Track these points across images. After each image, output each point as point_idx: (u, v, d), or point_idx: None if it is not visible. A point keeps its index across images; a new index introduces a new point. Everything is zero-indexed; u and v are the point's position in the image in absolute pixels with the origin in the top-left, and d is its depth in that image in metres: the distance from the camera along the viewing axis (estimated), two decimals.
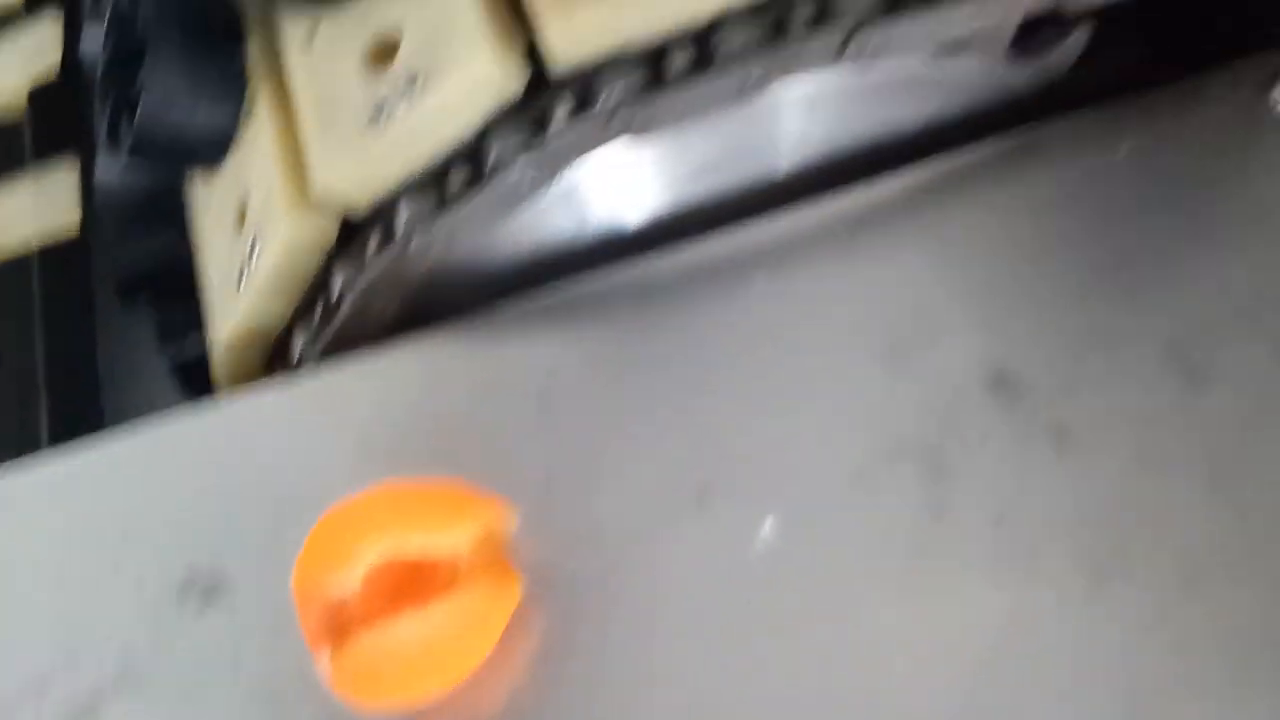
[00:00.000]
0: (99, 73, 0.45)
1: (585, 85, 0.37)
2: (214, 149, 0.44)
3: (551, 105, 0.37)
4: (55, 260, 0.55)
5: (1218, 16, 0.49)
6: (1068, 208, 0.46)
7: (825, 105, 0.45)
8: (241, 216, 0.44)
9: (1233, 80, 0.47)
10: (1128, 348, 0.42)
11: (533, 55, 0.37)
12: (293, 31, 0.41)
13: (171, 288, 0.50)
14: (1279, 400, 0.41)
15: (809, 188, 0.46)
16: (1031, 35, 0.43)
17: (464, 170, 0.38)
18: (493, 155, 0.38)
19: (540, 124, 0.38)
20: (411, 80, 0.37)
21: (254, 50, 0.44)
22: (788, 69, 0.39)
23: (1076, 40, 0.45)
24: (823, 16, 0.38)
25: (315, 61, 0.40)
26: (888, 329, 0.44)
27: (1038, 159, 0.46)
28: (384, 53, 0.39)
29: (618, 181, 0.44)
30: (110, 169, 0.46)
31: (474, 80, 0.36)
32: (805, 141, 0.47)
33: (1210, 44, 0.49)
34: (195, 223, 0.48)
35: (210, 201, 0.46)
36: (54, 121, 0.59)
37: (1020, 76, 0.46)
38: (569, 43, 0.36)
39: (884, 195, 0.46)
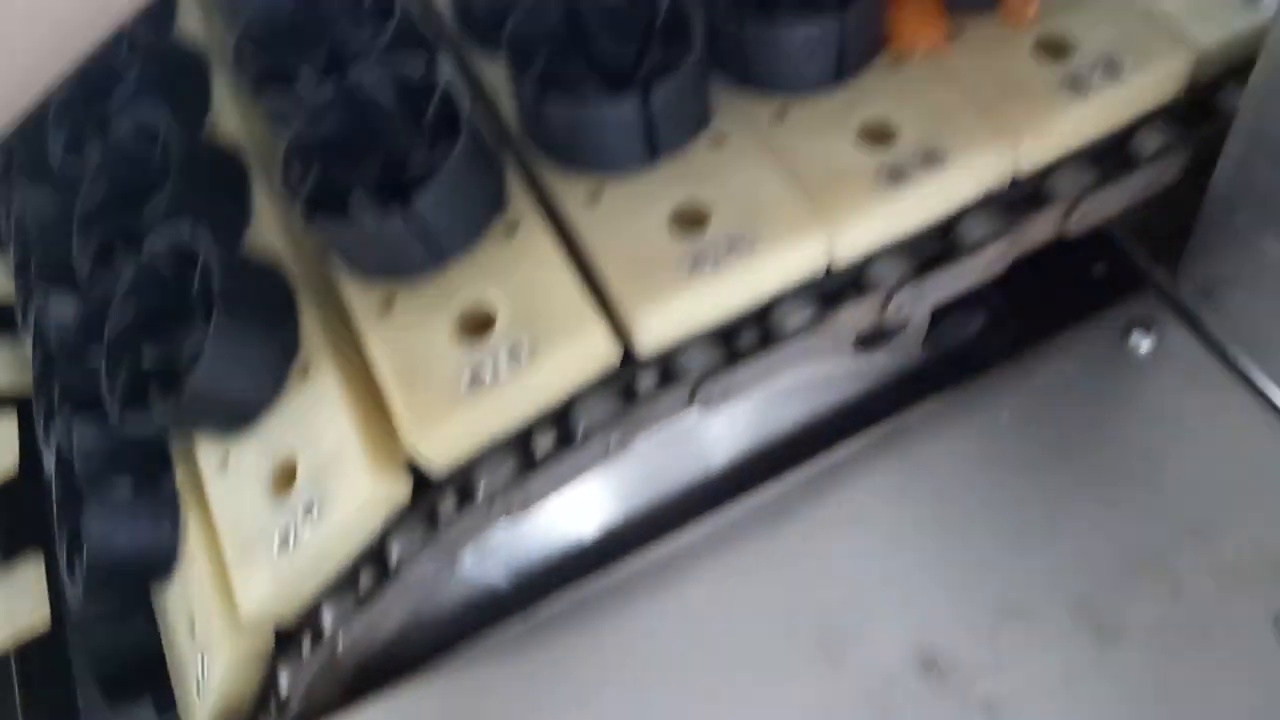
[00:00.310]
0: (54, 513, 0.53)
1: (465, 480, 0.43)
2: (160, 567, 0.50)
3: (438, 502, 0.43)
4: (32, 657, 0.60)
5: (1053, 280, 0.54)
6: (964, 480, 0.50)
7: (732, 415, 0.51)
8: (192, 628, 0.49)
9: (1090, 335, 0.53)
10: (1040, 612, 0.46)
11: (413, 464, 0.44)
12: (208, 459, 0.48)
13: (155, 675, 0.56)
14: (1183, 644, 0.44)
15: (738, 481, 0.51)
16: (872, 335, 0.49)
17: (372, 570, 0.44)
18: (395, 554, 0.43)
19: (431, 519, 0.43)
20: (309, 506, 0.42)
21: (181, 476, 0.50)
22: (643, 427, 0.44)
23: (918, 328, 0.50)
24: (667, 378, 0.44)
25: (228, 488, 0.46)
26: (818, 621, 0.48)
27: (929, 436, 0.52)
28: (286, 477, 0.44)
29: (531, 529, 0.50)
30: (75, 598, 0.53)
31: (362, 501, 0.42)
32: (721, 443, 0.53)
33: (1050, 305, 0.54)
34: (162, 627, 0.53)
35: (168, 611, 0.51)
36: (16, 519, 0.65)
37: (881, 365, 0.53)
38: (440, 452, 0.42)
39: (798, 486, 0.51)
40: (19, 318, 0.61)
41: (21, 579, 0.59)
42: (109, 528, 0.48)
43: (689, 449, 0.52)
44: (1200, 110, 0.47)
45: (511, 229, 0.46)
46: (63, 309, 0.53)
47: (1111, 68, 0.46)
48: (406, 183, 0.44)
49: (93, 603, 0.51)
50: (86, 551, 0.48)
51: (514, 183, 0.47)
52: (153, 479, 0.49)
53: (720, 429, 0.52)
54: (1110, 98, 0.46)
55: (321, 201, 0.44)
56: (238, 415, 0.46)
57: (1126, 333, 0.52)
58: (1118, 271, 0.54)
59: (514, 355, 0.42)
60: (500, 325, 0.43)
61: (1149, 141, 0.46)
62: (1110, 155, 0.47)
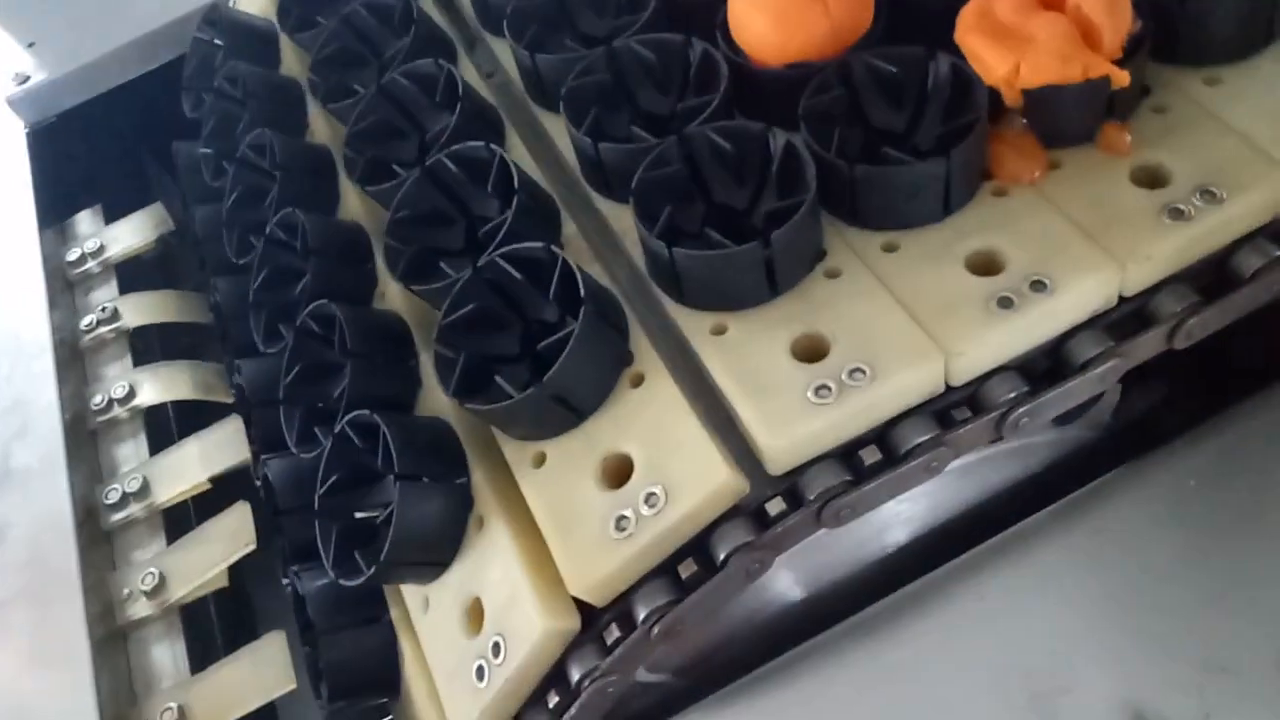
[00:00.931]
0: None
1: (626, 607, 0.48)
2: (384, 689, 0.58)
3: (603, 630, 0.49)
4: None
5: (1221, 355, 0.56)
6: (1156, 543, 0.53)
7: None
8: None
9: (1270, 400, 0.55)
10: (1246, 668, 0.49)
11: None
12: (414, 600, 0.55)
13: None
14: None
15: (931, 553, 0.56)
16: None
17: (559, 690, 0.49)
18: (575, 676, 0.49)
19: (601, 645, 0.49)
20: (496, 647, 0.49)
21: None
22: (778, 549, 0.49)
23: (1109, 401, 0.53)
24: (794, 502, 0.48)
25: (431, 625, 0.53)
26: (1027, 678, 0.52)
27: (1119, 503, 0.55)
28: (476, 618, 0.51)
29: None
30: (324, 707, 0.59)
31: (537, 639, 0.48)
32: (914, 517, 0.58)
33: (1222, 375, 0.57)
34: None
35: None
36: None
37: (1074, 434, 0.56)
38: (598, 593, 0.48)
39: (996, 551, 0.55)
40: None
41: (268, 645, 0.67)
42: (339, 658, 0.57)
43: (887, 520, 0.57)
44: None
45: (639, 380, 0.52)
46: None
47: (1209, 195, 0.48)
48: (544, 351, 0.51)
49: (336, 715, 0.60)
50: (325, 678, 0.57)
51: (638, 326, 0.53)
52: (371, 617, 0.58)
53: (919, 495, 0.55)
54: (1209, 223, 0.48)
55: (471, 380, 0.51)
56: (429, 566, 0.54)
57: None
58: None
59: (651, 502, 0.48)
60: (637, 473, 0.49)
61: (1250, 261, 0.48)
62: (1213, 275, 0.49)
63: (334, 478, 0.54)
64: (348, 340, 0.56)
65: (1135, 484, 0.55)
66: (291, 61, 0.79)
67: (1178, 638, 0.50)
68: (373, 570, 0.51)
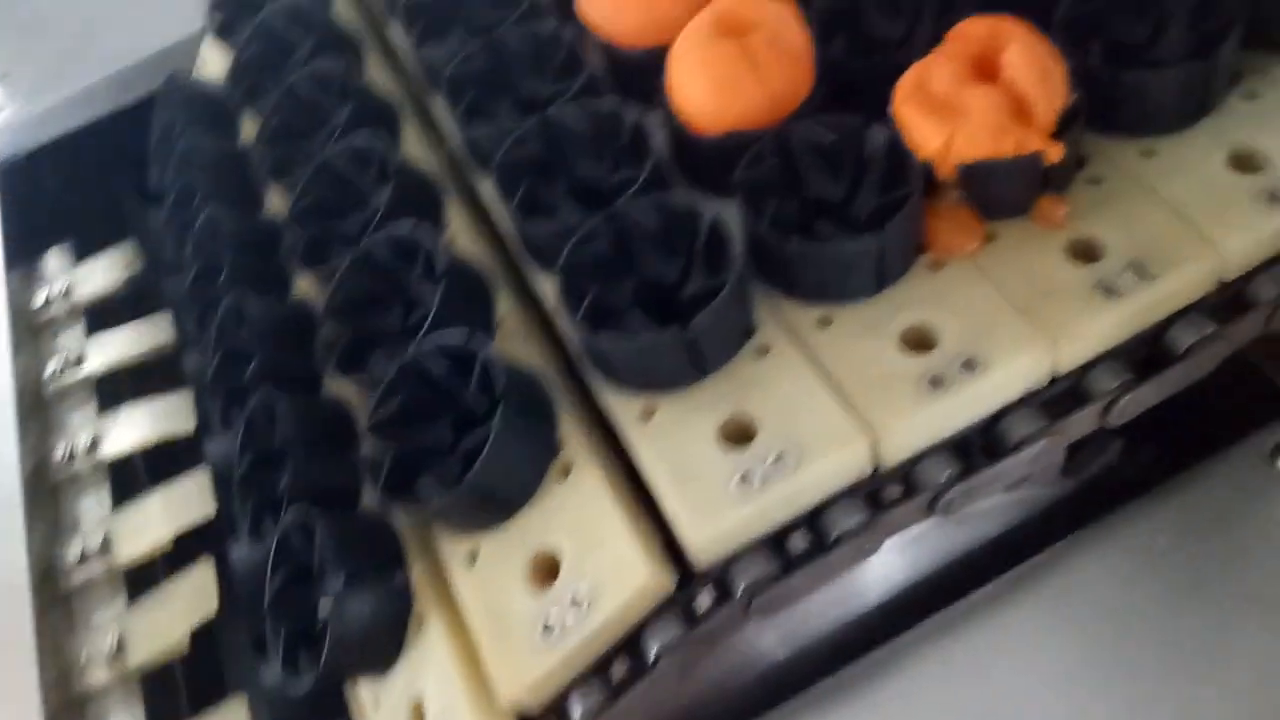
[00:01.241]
0: None
1: (560, 706, 0.47)
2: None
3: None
4: None
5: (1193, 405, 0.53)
6: (1124, 608, 0.51)
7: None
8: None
9: (1238, 459, 0.53)
10: None
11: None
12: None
13: None
14: None
15: (896, 614, 0.54)
16: None
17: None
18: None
19: None
20: (576, 600, 0.47)
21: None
22: (709, 644, 0.48)
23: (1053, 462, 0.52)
24: (722, 594, 0.46)
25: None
26: None
27: (1083, 565, 0.53)
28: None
29: None
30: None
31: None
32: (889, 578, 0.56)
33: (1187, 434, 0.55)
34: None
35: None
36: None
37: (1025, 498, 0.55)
38: (529, 700, 0.47)
39: (959, 619, 0.53)
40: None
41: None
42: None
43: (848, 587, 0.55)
44: (1233, 303, 0.47)
45: (567, 470, 0.50)
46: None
47: (1141, 270, 0.47)
48: (471, 448, 0.49)
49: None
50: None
51: (570, 410, 0.52)
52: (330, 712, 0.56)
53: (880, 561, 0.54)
54: (1141, 299, 0.46)
55: (405, 475, 0.50)
56: (373, 667, 0.53)
57: (1275, 455, 0.52)
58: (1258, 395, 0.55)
59: (576, 603, 0.47)
60: (564, 572, 0.48)
61: (1183, 337, 0.47)
62: (1146, 351, 0.48)
63: (280, 575, 0.53)
64: (285, 431, 0.55)
65: (1099, 547, 0.53)
66: (251, 131, 0.78)
67: (1149, 710, 0.48)
68: (316, 677, 0.50)
